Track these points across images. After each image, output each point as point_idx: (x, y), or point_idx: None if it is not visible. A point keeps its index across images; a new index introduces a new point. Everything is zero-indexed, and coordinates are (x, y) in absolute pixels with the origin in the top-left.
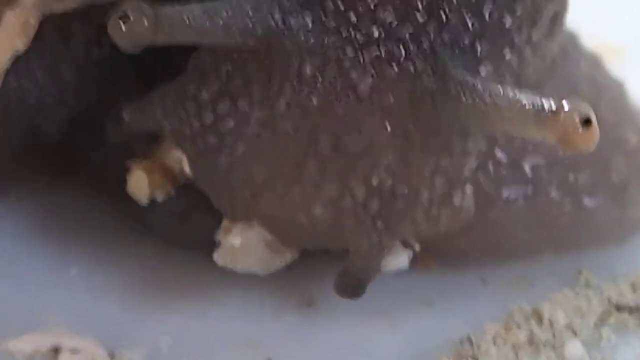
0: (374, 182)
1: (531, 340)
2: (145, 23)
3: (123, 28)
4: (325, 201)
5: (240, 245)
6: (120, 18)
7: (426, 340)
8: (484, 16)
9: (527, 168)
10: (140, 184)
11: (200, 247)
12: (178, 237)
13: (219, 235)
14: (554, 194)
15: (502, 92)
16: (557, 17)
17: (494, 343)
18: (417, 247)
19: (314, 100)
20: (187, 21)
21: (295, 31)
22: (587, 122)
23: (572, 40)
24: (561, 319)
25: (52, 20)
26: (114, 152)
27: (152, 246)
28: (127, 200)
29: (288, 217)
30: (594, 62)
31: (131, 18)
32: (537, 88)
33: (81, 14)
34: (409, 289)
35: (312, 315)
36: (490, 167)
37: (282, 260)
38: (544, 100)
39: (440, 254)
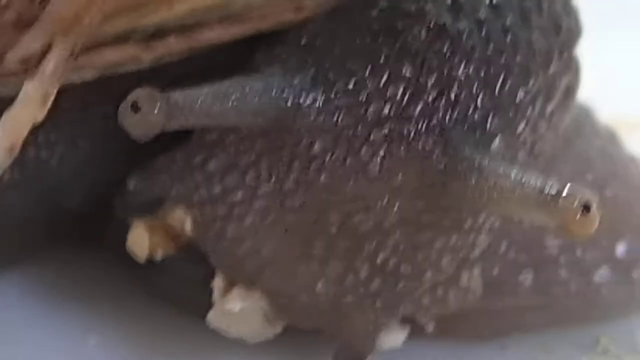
0: (379, 261)
1: None
2: (157, 112)
3: (135, 118)
4: (328, 279)
5: (239, 311)
6: (131, 107)
7: None
8: (495, 91)
9: (540, 248)
10: (140, 241)
11: None
12: (197, 306)
13: (216, 296)
14: (562, 273)
15: (506, 174)
16: (570, 89)
17: None
18: (431, 328)
19: (323, 178)
20: (199, 106)
21: (305, 110)
22: (587, 208)
23: (586, 116)
24: None
25: (70, 91)
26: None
27: (172, 316)
28: (145, 268)
29: (290, 293)
30: (610, 138)
31: (143, 107)
32: (550, 163)
33: (99, 84)
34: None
35: None
36: (503, 248)
37: (274, 331)
38: (546, 184)
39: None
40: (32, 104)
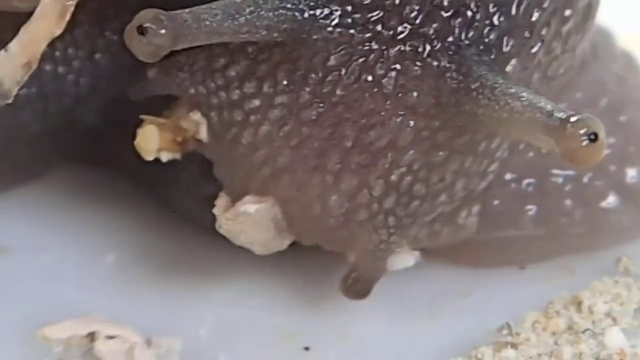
0: (394, 178)
1: (571, 328)
2: (164, 34)
3: (141, 41)
4: (342, 193)
5: (254, 212)
6: (137, 30)
7: (466, 329)
8: (511, 11)
9: (544, 178)
10: (150, 138)
11: None
12: (213, 223)
13: (217, 211)
14: (567, 203)
15: (517, 95)
16: (590, 10)
17: (534, 331)
18: (417, 257)
19: (338, 92)
20: (208, 25)
21: (321, 23)
22: (593, 137)
23: (605, 39)
24: (601, 306)
25: (87, 6)
26: None
27: (189, 233)
28: (163, 187)
29: (303, 203)
30: (627, 63)
31: (149, 31)
32: (565, 86)
33: None
34: (448, 279)
35: (349, 305)
36: (506, 179)
37: (282, 243)
38: (555, 110)
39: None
40: (49, 18)
